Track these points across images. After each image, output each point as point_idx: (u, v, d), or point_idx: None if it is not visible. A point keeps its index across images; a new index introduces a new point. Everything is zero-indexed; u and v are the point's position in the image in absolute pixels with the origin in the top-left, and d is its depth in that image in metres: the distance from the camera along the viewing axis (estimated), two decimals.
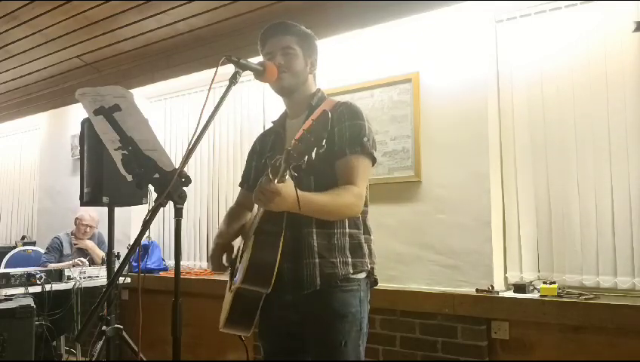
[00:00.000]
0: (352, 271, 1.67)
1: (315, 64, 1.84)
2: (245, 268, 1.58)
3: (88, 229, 4.34)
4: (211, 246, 1.86)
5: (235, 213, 1.94)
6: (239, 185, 2.02)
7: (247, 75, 1.70)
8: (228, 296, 1.78)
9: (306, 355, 1.75)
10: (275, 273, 1.58)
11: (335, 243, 1.67)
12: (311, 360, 1.72)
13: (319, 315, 1.66)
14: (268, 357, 1.82)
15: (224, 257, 1.82)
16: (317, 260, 1.64)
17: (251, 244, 1.60)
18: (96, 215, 4.32)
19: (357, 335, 1.68)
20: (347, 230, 1.70)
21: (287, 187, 1.40)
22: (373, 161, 1.71)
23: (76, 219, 4.35)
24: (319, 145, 1.27)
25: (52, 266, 3.99)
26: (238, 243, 1.89)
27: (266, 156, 1.86)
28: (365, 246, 1.74)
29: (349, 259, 1.68)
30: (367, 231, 1.77)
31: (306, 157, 1.27)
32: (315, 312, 1.66)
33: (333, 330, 1.65)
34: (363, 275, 1.72)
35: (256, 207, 1.84)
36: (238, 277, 1.66)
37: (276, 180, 1.35)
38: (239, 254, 1.83)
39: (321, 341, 1.67)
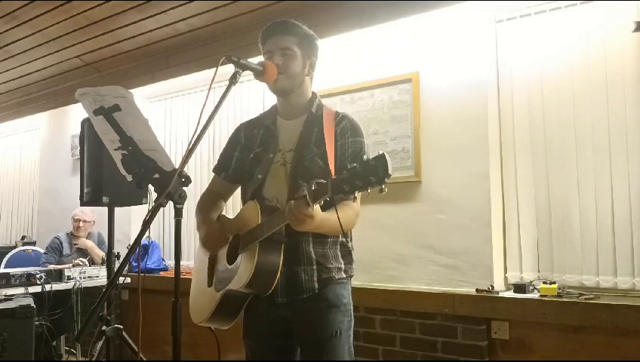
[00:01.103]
0: (344, 276, 1.77)
1: (313, 66, 1.84)
2: (251, 274, 1.59)
3: (81, 224, 4.31)
4: (201, 232, 1.84)
5: (211, 203, 1.92)
6: (214, 171, 1.96)
7: (247, 75, 1.71)
8: (209, 293, 1.78)
9: (295, 352, 1.78)
10: (277, 279, 1.62)
11: (329, 251, 1.74)
12: (302, 352, 1.76)
13: (313, 308, 1.70)
14: (255, 356, 1.83)
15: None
16: (315, 266, 1.70)
17: (256, 251, 1.61)
18: (89, 211, 4.29)
19: (349, 325, 1.75)
20: (339, 238, 1.77)
21: (317, 210, 1.46)
22: None
23: (71, 218, 4.35)
24: (380, 187, 1.27)
25: (51, 267, 3.98)
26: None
27: (254, 151, 1.84)
28: (353, 252, 1.82)
29: (342, 266, 1.77)
30: (352, 238, 1.84)
31: (357, 192, 1.30)
32: (308, 305, 1.70)
33: (327, 321, 1.70)
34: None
35: (240, 202, 1.85)
36: (235, 279, 1.67)
37: (313, 204, 1.40)
38: (224, 253, 1.83)
39: (315, 332, 1.70)
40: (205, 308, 1.78)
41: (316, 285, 1.69)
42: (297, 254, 1.69)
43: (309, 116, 1.79)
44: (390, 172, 1.26)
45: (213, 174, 1.98)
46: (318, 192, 1.36)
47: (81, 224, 4.31)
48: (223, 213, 1.96)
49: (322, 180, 1.35)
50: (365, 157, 1.29)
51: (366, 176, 1.27)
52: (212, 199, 1.94)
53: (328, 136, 1.70)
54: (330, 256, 1.74)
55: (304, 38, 1.80)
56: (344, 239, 1.79)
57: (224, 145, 1.96)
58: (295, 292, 1.69)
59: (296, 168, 1.72)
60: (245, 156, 1.87)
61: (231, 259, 1.76)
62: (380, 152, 1.28)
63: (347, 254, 1.79)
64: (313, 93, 1.86)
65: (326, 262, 1.72)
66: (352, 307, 1.79)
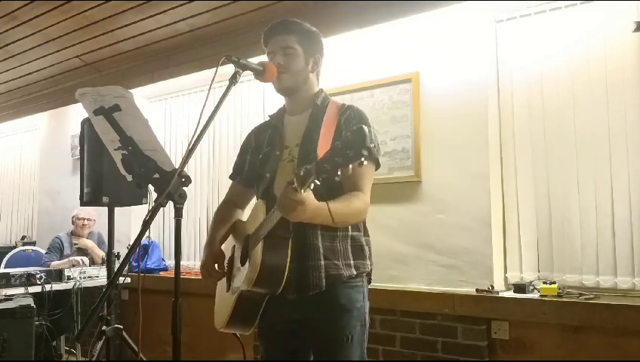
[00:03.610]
0: (354, 273, 1.71)
1: (318, 62, 1.83)
2: (257, 272, 1.57)
3: (86, 222, 4.32)
4: (202, 254, 1.83)
5: (224, 214, 1.92)
6: (230, 178, 1.98)
7: (247, 75, 1.71)
8: (227, 297, 1.77)
9: (308, 353, 1.75)
10: (285, 276, 1.59)
11: (338, 246, 1.69)
12: (314, 355, 1.73)
13: (325, 311, 1.67)
14: (267, 356, 1.82)
15: (216, 266, 1.81)
16: (322, 262, 1.66)
17: (261, 248, 1.59)
18: (91, 210, 4.28)
19: (362, 329, 1.71)
20: (350, 232, 1.72)
21: (309, 197, 1.40)
22: (378, 166, 1.72)
23: (73, 217, 4.35)
24: (358, 160, 1.21)
25: (54, 265, 3.99)
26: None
27: (263, 151, 1.84)
28: (366, 248, 1.77)
29: (352, 262, 1.71)
30: (366, 233, 1.80)
31: (339, 170, 1.23)
32: (320, 308, 1.67)
33: (339, 325, 1.66)
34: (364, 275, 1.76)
35: (251, 206, 1.84)
36: (244, 279, 1.65)
37: (302, 190, 1.34)
38: (234, 256, 1.82)
39: (327, 336, 1.67)
40: (224, 313, 1.76)
41: (323, 281, 1.64)
42: (305, 248, 1.65)
43: (314, 109, 1.78)
44: (368, 143, 1.18)
45: (230, 181, 1.98)
46: (305, 176, 1.32)
47: (85, 223, 4.32)
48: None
49: (309, 165, 1.31)
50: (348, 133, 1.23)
51: (344, 150, 1.22)
52: (226, 211, 1.93)
53: (327, 126, 1.67)
54: (339, 250, 1.69)
55: (305, 35, 1.79)
56: (355, 233, 1.74)
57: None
58: (303, 289, 1.65)
59: (303, 163, 1.71)
60: (256, 158, 1.87)
61: (243, 260, 1.75)
62: (359, 125, 1.23)
63: (358, 249, 1.73)
64: (320, 89, 1.85)
65: (334, 258, 1.67)
66: (366, 311, 1.74)
